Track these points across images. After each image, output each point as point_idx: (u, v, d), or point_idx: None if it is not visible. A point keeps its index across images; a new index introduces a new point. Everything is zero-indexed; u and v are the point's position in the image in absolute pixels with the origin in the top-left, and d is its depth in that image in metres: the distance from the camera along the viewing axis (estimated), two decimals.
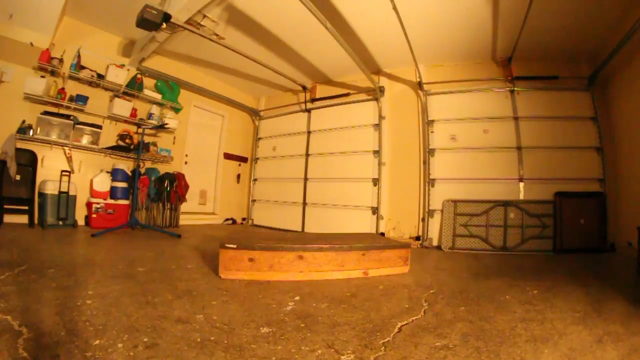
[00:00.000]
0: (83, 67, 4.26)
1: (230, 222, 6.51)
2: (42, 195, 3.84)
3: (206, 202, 6.25)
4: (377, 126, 5.11)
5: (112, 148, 4.57)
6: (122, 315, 1.38)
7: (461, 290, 2.12)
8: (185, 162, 5.75)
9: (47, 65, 3.91)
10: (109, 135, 4.62)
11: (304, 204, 5.74)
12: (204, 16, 3.85)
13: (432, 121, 4.77)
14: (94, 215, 4.17)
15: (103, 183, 4.34)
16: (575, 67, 4.41)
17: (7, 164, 3.46)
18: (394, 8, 3.10)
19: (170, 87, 5.26)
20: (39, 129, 3.93)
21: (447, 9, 3.65)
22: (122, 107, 4.61)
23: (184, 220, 5.35)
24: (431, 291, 2.06)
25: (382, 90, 5.12)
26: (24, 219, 3.77)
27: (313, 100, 6.01)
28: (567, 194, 4.05)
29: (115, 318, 1.35)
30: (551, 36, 3.97)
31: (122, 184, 4.44)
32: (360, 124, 5.31)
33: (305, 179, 5.81)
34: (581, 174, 4.16)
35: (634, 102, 3.78)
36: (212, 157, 6.44)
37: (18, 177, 3.67)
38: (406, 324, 1.47)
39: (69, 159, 4.23)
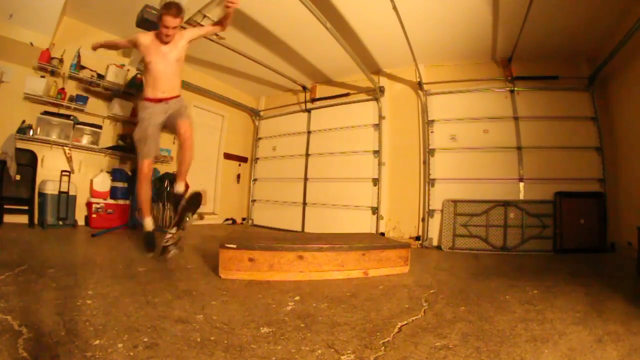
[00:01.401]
0: (83, 67, 4.26)
1: (230, 222, 6.51)
2: (42, 195, 3.84)
3: (206, 202, 6.24)
4: (377, 126, 5.11)
5: (112, 148, 4.57)
6: (122, 315, 1.38)
7: (461, 290, 2.11)
8: None
9: (47, 65, 3.91)
10: (109, 135, 4.62)
11: (304, 204, 5.74)
12: (204, 16, 3.85)
13: (432, 121, 4.76)
14: (94, 215, 4.17)
15: (103, 183, 4.33)
16: (575, 67, 4.40)
17: (7, 164, 3.47)
18: (394, 8, 3.10)
19: None
20: (39, 129, 3.92)
21: (447, 9, 3.64)
22: (122, 107, 4.60)
23: None
24: (431, 291, 2.06)
25: (382, 90, 5.12)
26: (24, 219, 3.76)
27: (313, 100, 6.00)
28: (567, 194, 4.05)
29: (115, 318, 1.35)
30: (551, 36, 3.96)
31: (122, 184, 4.44)
32: (360, 124, 5.31)
33: (305, 179, 5.81)
34: (581, 174, 4.15)
35: (634, 102, 3.78)
36: (212, 157, 6.44)
37: (18, 177, 3.66)
38: (406, 324, 1.47)
39: (69, 159, 4.22)
